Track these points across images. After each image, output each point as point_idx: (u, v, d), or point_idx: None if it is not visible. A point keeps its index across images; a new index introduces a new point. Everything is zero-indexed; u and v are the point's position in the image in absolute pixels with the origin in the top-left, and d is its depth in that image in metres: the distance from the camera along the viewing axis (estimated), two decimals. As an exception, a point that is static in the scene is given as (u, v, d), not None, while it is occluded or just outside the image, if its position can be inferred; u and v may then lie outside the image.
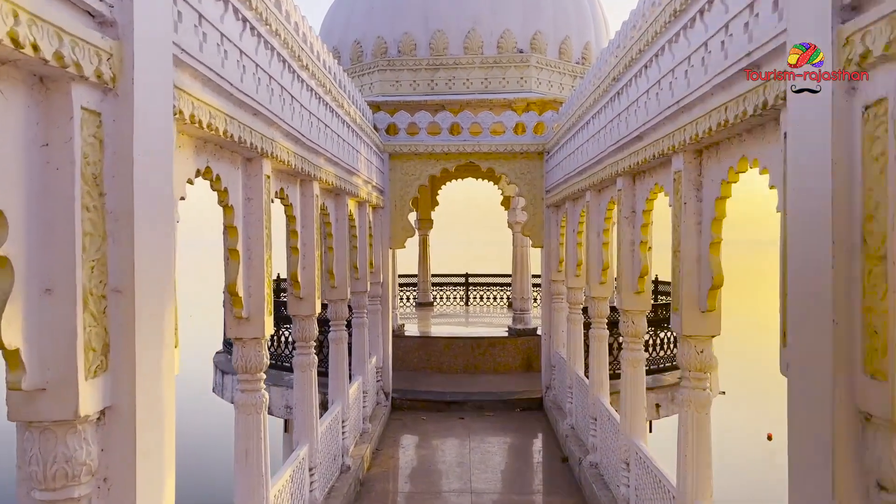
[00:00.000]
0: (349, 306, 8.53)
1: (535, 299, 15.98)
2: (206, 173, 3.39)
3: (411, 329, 13.30)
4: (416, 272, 17.99)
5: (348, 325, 7.70)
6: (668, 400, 10.63)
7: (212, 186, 3.62)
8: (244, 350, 4.15)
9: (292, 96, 4.48)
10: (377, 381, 9.95)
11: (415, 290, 18.12)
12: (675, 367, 11.35)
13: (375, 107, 10.88)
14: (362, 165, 7.76)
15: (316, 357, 5.90)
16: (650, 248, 5.32)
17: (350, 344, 8.63)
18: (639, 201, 5.27)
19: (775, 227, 2.71)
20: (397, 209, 10.14)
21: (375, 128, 9.88)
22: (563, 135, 8.40)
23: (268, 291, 4.04)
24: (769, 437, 19.38)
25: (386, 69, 11.84)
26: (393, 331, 12.32)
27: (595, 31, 12.81)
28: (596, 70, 6.05)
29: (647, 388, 10.50)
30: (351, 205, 7.64)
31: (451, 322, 16.59)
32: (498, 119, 10.05)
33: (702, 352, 4.06)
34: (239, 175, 3.87)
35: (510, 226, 15.43)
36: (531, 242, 10.35)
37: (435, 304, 18.25)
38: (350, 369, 8.43)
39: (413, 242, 18.58)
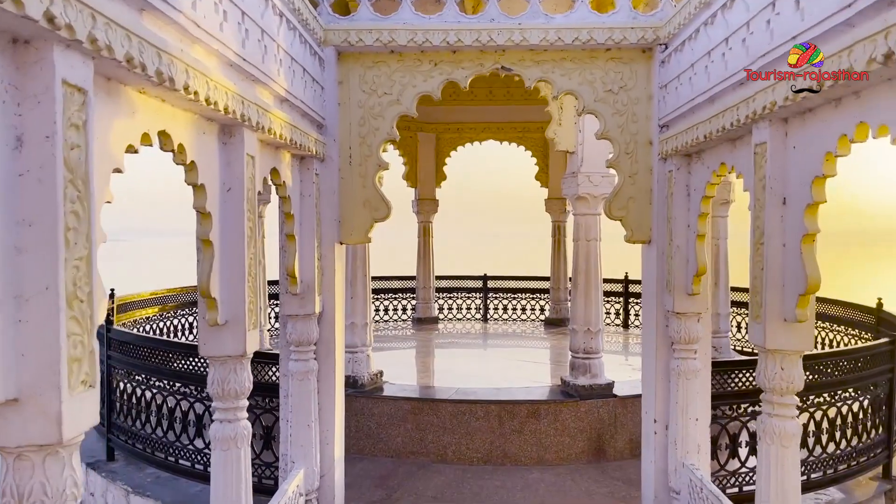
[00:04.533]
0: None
1: (609, 314, 10.73)
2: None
3: (398, 377, 8.00)
4: (415, 274, 12.80)
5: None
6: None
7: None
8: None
9: None
10: (307, 518, 4.83)
11: (413, 299, 12.97)
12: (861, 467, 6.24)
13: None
14: (228, 24, 2.62)
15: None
16: None
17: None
18: None
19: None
20: (354, 163, 4.97)
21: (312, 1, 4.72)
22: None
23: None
24: None
25: (350, -76, 6.65)
26: (362, 386, 7.17)
27: None
28: None
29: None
30: (185, 131, 2.49)
31: (461, 345, 11.42)
32: (559, -19, 4.85)
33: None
34: None
35: (560, 203, 10.24)
36: (626, 234, 5.11)
37: (441, 318, 13.07)
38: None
39: (411, 231, 13.35)
